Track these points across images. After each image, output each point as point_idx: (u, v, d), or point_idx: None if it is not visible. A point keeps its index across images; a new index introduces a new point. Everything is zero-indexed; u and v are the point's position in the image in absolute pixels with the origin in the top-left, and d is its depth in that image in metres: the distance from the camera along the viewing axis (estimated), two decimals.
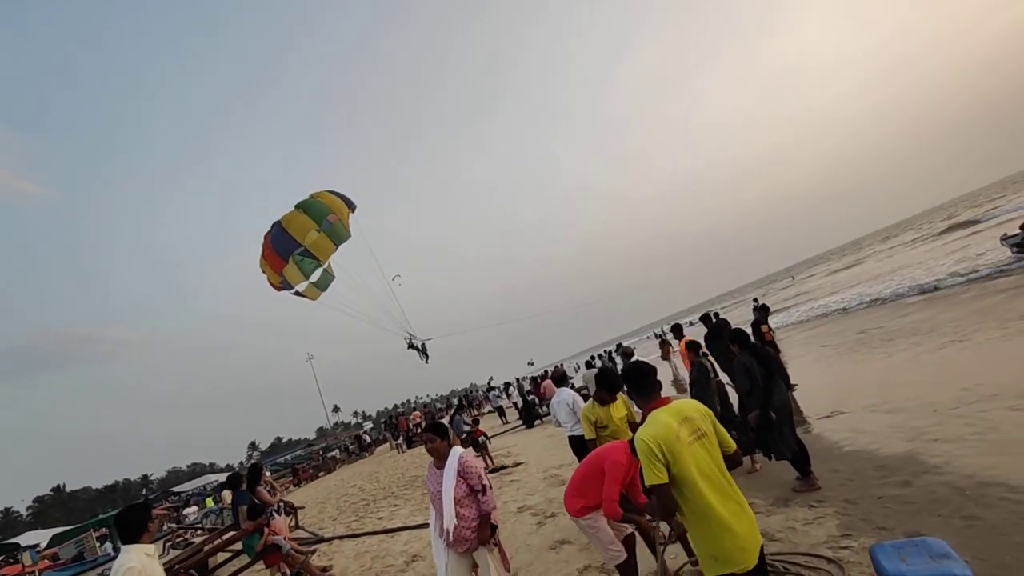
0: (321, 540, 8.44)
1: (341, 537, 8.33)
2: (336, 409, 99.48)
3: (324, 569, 6.45)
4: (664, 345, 15.11)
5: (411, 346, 11.58)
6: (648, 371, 2.53)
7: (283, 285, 9.16)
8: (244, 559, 6.53)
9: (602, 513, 3.21)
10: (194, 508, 19.36)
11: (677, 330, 9.22)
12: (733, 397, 6.08)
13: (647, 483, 2.20)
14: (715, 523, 2.16)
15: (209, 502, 20.67)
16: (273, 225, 9.01)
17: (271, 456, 63.16)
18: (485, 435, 11.49)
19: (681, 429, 2.25)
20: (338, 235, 8.97)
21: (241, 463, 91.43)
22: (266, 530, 5.93)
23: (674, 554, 3.96)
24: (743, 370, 4.89)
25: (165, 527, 16.86)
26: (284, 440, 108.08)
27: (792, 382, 7.54)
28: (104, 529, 21.53)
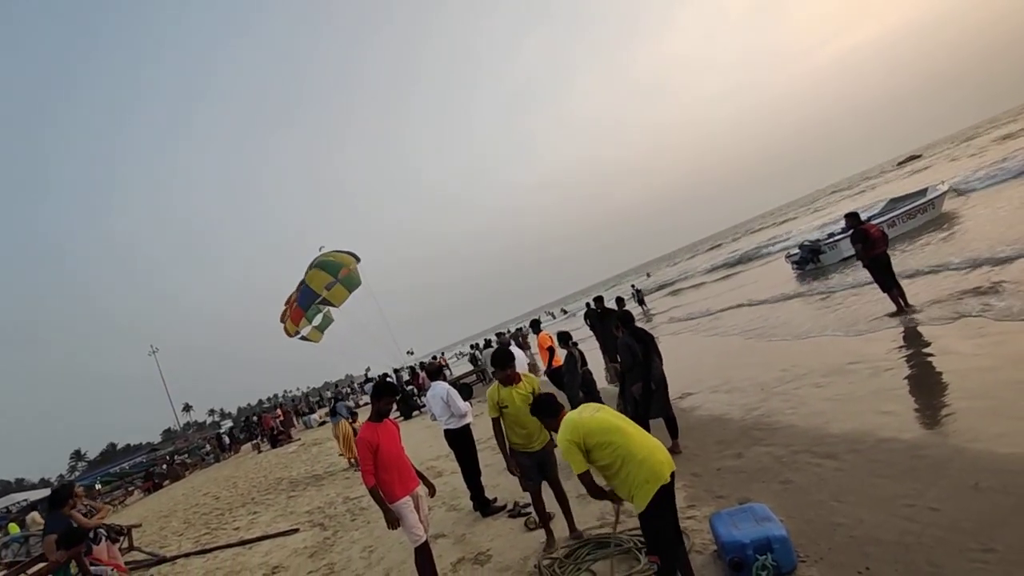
0: (162, 560, 7.40)
1: (187, 555, 7.38)
2: (188, 408, 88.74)
3: None
4: (523, 337, 16.15)
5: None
6: (552, 399, 3.26)
7: (296, 333, 10.79)
8: None
9: (410, 501, 3.70)
10: None
11: (535, 324, 9.86)
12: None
13: (576, 472, 2.76)
14: (638, 455, 2.63)
15: (13, 528, 17.11)
16: (300, 284, 10.64)
17: (102, 467, 54.22)
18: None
19: (583, 411, 2.91)
20: (352, 283, 10.57)
21: (61, 476, 77.42)
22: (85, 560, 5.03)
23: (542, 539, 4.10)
24: (626, 348, 5.45)
25: None
26: (120, 446, 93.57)
27: None
28: None
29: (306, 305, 10.64)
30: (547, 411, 3.23)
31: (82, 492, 6.07)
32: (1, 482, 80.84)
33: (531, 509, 4.63)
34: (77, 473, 74.80)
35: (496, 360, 4.17)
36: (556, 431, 3.04)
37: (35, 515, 18.04)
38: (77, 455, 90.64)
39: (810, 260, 16.09)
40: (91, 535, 5.41)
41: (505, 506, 5.18)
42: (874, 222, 12.19)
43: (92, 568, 5.11)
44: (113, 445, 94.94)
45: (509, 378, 4.08)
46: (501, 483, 5.64)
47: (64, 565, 4.98)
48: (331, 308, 11.23)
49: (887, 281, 7.96)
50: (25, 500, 31.06)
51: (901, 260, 11.20)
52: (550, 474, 4.10)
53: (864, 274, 8.95)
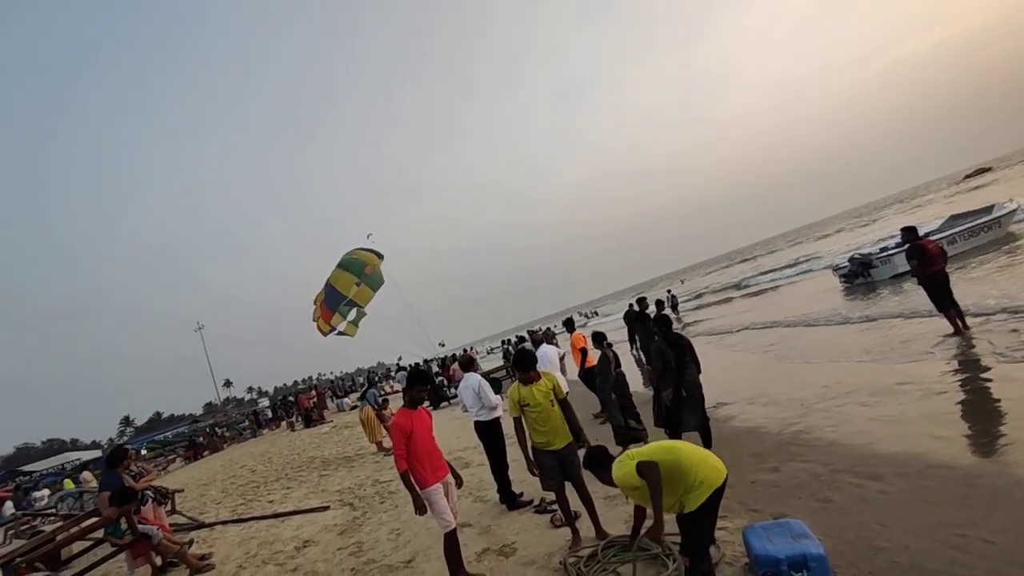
0: (201, 525, 7.79)
1: (224, 522, 7.74)
2: (228, 383, 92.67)
3: (203, 557, 5.96)
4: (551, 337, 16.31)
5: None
6: (604, 452, 3.21)
7: (331, 330, 11.19)
8: (105, 549, 5.85)
9: (440, 487, 3.75)
10: (45, 492, 17.00)
11: (568, 324, 9.80)
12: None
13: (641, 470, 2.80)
14: (693, 460, 2.80)
15: (68, 484, 18.35)
16: (325, 285, 11.06)
17: (148, 433, 57.36)
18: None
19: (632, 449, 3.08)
20: (376, 282, 10.98)
21: (111, 440, 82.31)
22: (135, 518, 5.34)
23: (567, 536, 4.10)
24: (658, 353, 5.38)
25: (8, 513, 14.69)
26: (165, 415, 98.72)
27: None
28: None
29: (333, 307, 11.00)
30: (601, 465, 3.16)
31: (134, 455, 6.44)
32: (57, 441, 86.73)
33: (557, 507, 4.65)
34: (125, 438, 79.42)
35: (519, 362, 4.22)
36: (610, 483, 3.09)
37: (87, 474, 19.27)
38: (126, 421, 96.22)
39: (859, 274, 15.40)
40: (139, 496, 5.74)
41: (531, 501, 5.20)
42: (932, 238, 11.57)
43: (140, 527, 5.43)
44: (159, 414, 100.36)
45: (530, 377, 4.13)
46: (528, 478, 5.62)
47: (115, 521, 5.31)
48: (364, 306, 11.53)
49: (944, 301, 7.54)
50: (78, 459, 33.18)
51: (957, 280, 10.59)
52: (574, 476, 4.09)
53: (918, 293, 8.52)
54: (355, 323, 11.68)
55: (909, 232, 8.20)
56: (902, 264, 13.17)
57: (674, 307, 24.55)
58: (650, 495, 2.78)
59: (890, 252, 14.88)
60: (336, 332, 11.53)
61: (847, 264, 16.15)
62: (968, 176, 54.27)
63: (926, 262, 7.57)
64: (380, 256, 11.64)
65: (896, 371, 6.63)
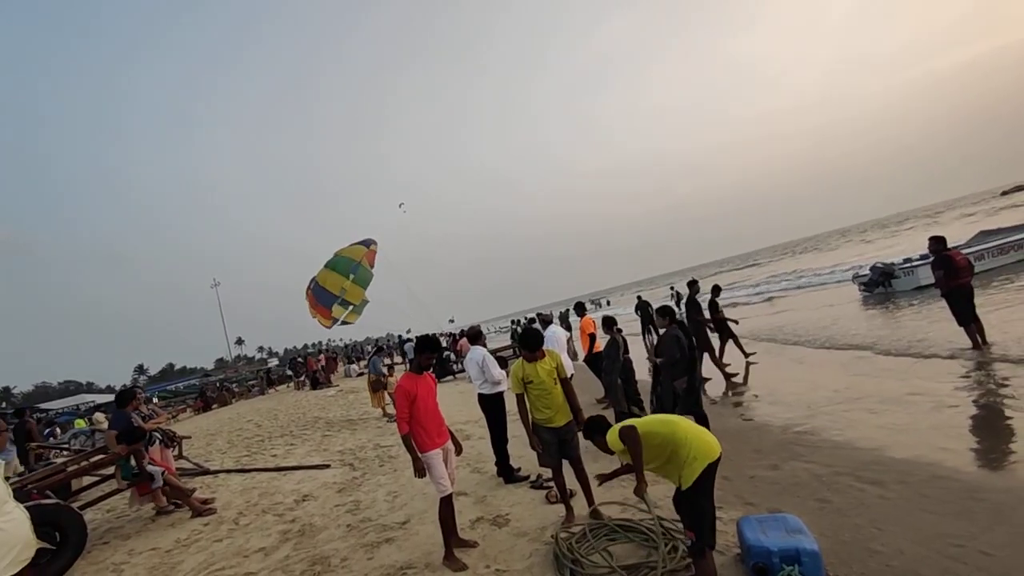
0: (206, 472, 8.02)
1: (228, 471, 7.96)
2: (240, 341, 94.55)
3: (205, 502, 6.14)
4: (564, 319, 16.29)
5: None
6: (602, 419, 3.29)
7: (333, 322, 11.60)
8: (112, 484, 6.05)
9: (440, 453, 3.78)
10: (56, 430, 17.56)
11: (579, 307, 9.73)
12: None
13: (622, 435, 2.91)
14: (687, 435, 2.84)
15: (80, 423, 18.97)
16: (311, 281, 11.48)
17: (161, 383, 59.03)
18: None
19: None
20: (364, 280, 11.27)
21: (124, 386, 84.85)
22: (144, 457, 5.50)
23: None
24: (674, 340, 5.37)
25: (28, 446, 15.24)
26: (178, 367, 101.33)
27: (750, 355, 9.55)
28: None
29: (327, 304, 11.22)
30: (599, 431, 3.23)
31: (142, 396, 6.61)
32: (74, 383, 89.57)
33: (553, 483, 4.69)
34: (137, 384, 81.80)
35: (525, 340, 4.22)
36: (605, 448, 3.14)
37: (99, 415, 19.90)
38: (140, 369, 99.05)
39: (880, 283, 15.08)
40: (147, 436, 5.91)
41: (528, 477, 5.25)
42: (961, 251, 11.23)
43: (147, 467, 5.59)
44: (171, 365, 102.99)
45: (535, 356, 4.15)
46: (526, 454, 5.68)
47: (124, 459, 5.48)
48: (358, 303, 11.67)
49: (966, 315, 7.36)
50: (93, 401, 34.28)
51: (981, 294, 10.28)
52: (572, 454, 4.12)
53: (938, 305, 8.30)
54: (357, 312, 11.80)
55: (938, 242, 7.94)
56: (925, 277, 12.86)
57: (679, 304, 24.30)
58: (631, 455, 2.90)
59: (915, 263, 14.53)
60: (340, 323, 11.78)
61: (868, 273, 15.83)
62: (1006, 192, 52.62)
63: (952, 274, 7.37)
64: (372, 244, 11.56)
65: (908, 382, 6.50)
